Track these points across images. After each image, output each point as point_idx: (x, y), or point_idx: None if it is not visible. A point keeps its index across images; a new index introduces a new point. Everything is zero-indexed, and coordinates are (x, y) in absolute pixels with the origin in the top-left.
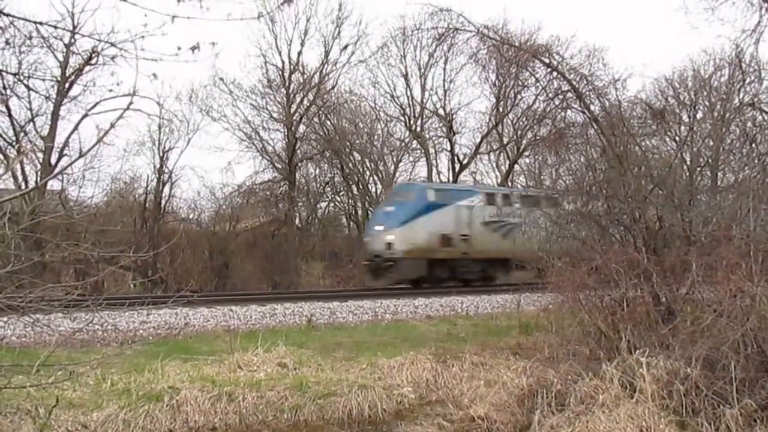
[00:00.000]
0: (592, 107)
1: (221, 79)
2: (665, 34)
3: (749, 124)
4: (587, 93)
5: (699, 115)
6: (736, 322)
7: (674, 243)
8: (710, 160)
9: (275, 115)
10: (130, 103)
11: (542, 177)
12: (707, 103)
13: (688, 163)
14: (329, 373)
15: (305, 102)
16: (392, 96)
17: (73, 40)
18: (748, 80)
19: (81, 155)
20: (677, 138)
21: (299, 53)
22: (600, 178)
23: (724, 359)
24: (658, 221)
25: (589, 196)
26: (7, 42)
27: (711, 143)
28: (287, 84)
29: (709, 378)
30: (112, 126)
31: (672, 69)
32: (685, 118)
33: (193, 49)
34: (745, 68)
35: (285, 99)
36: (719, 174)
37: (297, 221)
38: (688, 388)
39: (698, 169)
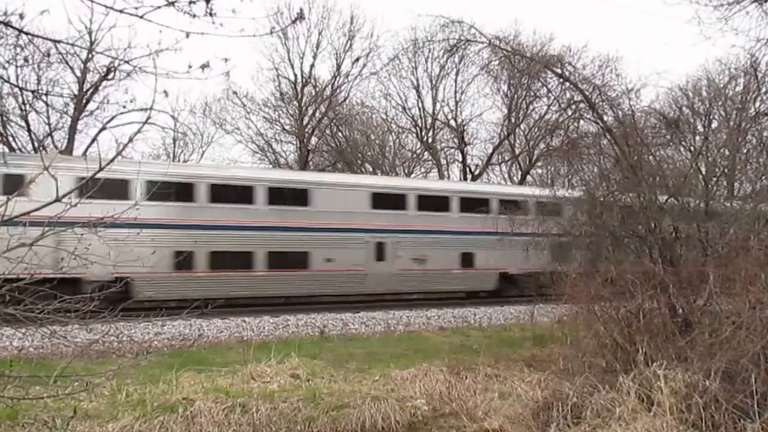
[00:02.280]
0: (605, 117)
1: (234, 92)
2: (679, 44)
3: (765, 133)
4: (600, 103)
5: (714, 124)
6: (755, 335)
7: (690, 254)
8: (726, 170)
9: (288, 127)
10: (148, 117)
11: (555, 187)
12: (722, 112)
13: (704, 173)
14: (342, 384)
15: (317, 114)
16: (404, 107)
17: (90, 56)
18: (764, 89)
19: (100, 169)
20: (692, 148)
21: (311, 66)
22: (614, 188)
23: (744, 372)
24: (674, 232)
25: (603, 207)
26: (25, 59)
27: (727, 153)
28: (299, 97)
29: (728, 391)
30: (131, 140)
31: (686, 78)
32: (699, 127)
33: (203, 67)
34: (761, 77)
35: (297, 111)
36: (736, 184)
37: None
38: (707, 402)
39: (714, 179)
